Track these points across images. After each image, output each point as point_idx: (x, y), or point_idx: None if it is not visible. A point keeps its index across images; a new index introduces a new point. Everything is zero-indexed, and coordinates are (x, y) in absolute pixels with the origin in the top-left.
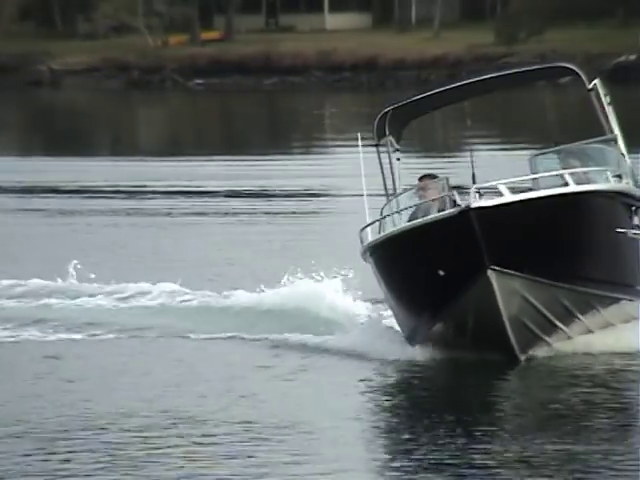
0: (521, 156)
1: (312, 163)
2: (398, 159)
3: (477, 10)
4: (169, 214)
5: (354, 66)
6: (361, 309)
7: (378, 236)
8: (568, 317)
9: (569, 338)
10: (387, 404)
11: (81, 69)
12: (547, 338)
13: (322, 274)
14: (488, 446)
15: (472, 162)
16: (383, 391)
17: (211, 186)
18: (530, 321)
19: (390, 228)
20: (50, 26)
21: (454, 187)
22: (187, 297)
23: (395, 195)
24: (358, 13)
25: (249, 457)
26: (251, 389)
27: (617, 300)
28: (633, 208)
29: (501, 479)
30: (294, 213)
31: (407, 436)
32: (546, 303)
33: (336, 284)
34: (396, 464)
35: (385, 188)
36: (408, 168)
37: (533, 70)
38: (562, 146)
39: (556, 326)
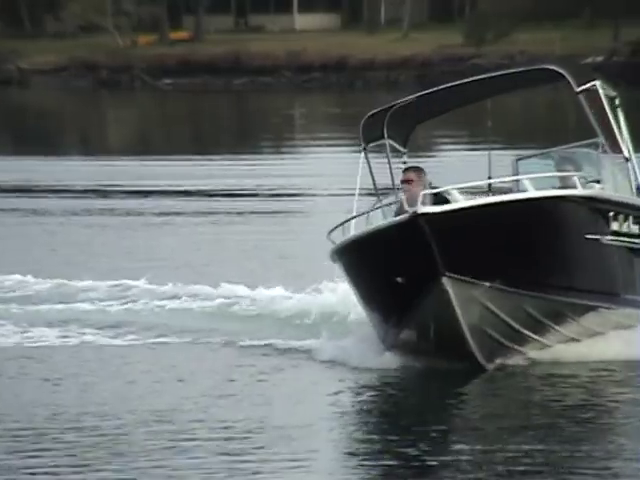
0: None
1: (282, 163)
2: (405, 163)
3: (446, 11)
4: (140, 214)
5: (323, 66)
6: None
7: (343, 239)
8: (538, 326)
9: (546, 347)
10: (357, 408)
11: (49, 68)
12: (518, 347)
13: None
14: (464, 446)
15: (490, 164)
16: (353, 395)
17: (183, 186)
18: (493, 330)
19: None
20: (18, 25)
21: (433, 187)
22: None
23: (384, 196)
24: (327, 14)
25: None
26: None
27: (594, 308)
28: (611, 214)
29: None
30: (267, 213)
31: (383, 439)
32: (510, 312)
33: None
34: (372, 465)
35: (375, 189)
36: (393, 168)
37: (518, 73)
38: (545, 150)
39: (526, 335)
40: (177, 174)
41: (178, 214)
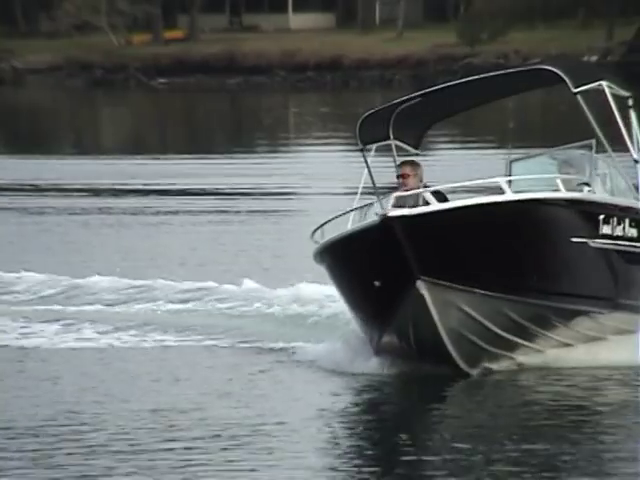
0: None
1: (276, 162)
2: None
3: (440, 11)
4: (135, 213)
5: (318, 66)
6: None
7: (324, 240)
8: (524, 331)
9: (537, 352)
10: (339, 413)
11: (44, 68)
12: (504, 352)
13: None
14: (448, 448)
15: (508, 165)
16: (334, 400)
17: (177, 185)
18: (473, 335)
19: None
20: (12, 24)
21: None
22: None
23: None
24: (322, 13)
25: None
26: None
27: (584, 312)
28: (601, 217)
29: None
30: (260, 212)
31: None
32: (490, 316)
33: None
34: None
35: (375, 188)
36: (387, 167)
37: (514, 73)
38: (539, 151)
39: (510, 340)
40: (171, 173)
41: (174, 213)
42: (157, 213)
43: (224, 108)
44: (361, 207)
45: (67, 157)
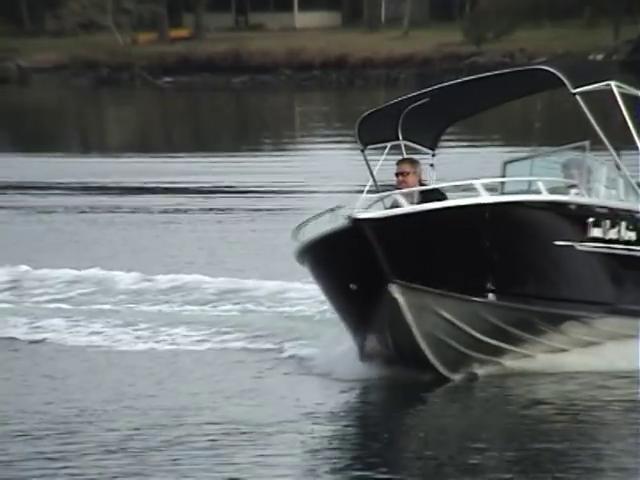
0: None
1: (281, 161)
2: (432, 165)
3: (446, 9)
4: (144, 211)
5: (323, 64)
6: None
7: (302, 241)
8: (508, 335)
9: (528, 357)
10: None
11: (49, 67)
12: (488, 357)
13: None
14: (430, 453)
15: (503, 166)
16: (317, 404)
17: (184, 183)
18: (452, 339)
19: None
20: (18, 23)
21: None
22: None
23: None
24: (327, 12)
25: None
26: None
27: (574, 317)
28: (590, 220)
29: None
30: (266, 210)
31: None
32: (468, 320)
33: None
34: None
35: (376, 187)
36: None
37: (510, 73)
38: (533, 153)
39: (493, 345)
40: (177, 171)
41: (182, 211)
42: (164, 212)
43: (230, 107)
44: (334, 209)
45: (73, 156)
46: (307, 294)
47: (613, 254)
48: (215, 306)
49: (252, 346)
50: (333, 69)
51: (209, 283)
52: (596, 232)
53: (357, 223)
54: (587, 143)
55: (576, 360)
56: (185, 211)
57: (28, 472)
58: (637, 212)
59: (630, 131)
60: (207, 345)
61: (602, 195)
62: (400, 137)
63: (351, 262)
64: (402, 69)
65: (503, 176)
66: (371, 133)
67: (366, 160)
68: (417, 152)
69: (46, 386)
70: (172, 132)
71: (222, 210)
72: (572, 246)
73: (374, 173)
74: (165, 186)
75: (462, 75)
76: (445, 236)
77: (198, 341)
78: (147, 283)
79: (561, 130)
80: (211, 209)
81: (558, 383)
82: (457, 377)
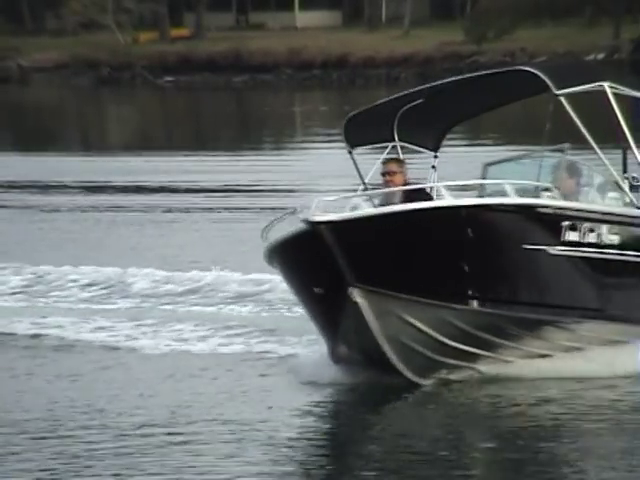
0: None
1: (282, 160)
2: (434, 167)
3: (447, 9)
4: (146, 210)
5: (324, 64)
6: None
7: (269, 242)
8: (477, 340)
9: (505, 362)
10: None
11: (50, 66)
12: (461, 362)
13: None
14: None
15: (484, 168)
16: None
17: (185, 182)
18: (418, 344)
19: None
20: (18, 23)
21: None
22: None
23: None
24: (328, 11)
25: None
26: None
27: (551, 322)
28: (565, 223)
29: None
30: (268, 209)
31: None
32: (434, 325)
33: None
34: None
35: (365, 186)
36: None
37: (492, 75)
38: (514, 155)
39: (464, 350)
40: (177, 171)
41: (184, 211)
42: (169, 210)
43: (230, 106)
44: (296, 210)
45: (73, 155)
46: None
47: (593, 258)
48: (225, 305)
49: (257, 345)
50: (334, 68)
51: (222, 281)
52: (572, 236)
53: (314, 226)
54: (566, 145)
55: (556, 366)
56: (187, 210)
57: (33, 471)
58: (622, 215)
59: (624, 131)
60: (215, 343)
61: (593, 199)
62: (396, 138)
63: (313, 265)
64: (403, 68)
65: (483, 178)
66: (360, 134)
67: (354, 162)
68: (412, 153)
69: (50, 385)
70: (172, 131)
71: (225, 209)
72: (544, 250)
73: (362, 174)
74: (165, 185)
75: (463, 74)
76: (407, 239)
77: (204, 338)
78: (156, 282)
79: (564, 131)
80: (213, 208)
81: (538, 388)
82: (428, 382)
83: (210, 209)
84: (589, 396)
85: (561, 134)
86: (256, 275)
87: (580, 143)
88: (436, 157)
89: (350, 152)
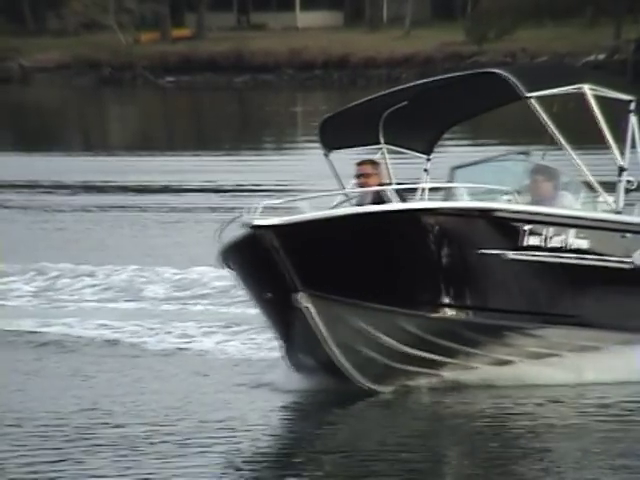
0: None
1: (283, 160)
2: (426, 170)
3: (448, 9)
4: (149, 210)
5: (325, 64)
6: None
7: (221, 244)
8: (434, 346)
9: (470, 368)
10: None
11: (51, 66)
12: (419, 369)
13: None
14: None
15: (450, 171)
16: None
17: (188, 182)
18: (372, 350)
19: None
20: (20, 23)
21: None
22: None
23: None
24: (329, 11)
25: None
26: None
27: (514, 328)
28: (526, 227)
29: None
30: (274, 209)
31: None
32: (388, 331)
33: None
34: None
35: (343, 189)
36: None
37: (460, 79)
38: (480, 159)
39: (423, 356)
40: (179, 170)
41: (188, 210)
42: (172, 210)
43: (232, 106)
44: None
45: (75, 155)
46: None
47: (557, 263)
48: (231, 305)
49: (260, 343)
50: (335, 69)
51: (220, 279)
52: (533, 240)
53: (256, 230)
54: (531, 149)
55: (535, 372)
56: (190, 210)
57: (37, 470)
58: (592, 219)
59: (603, 133)
60: (221, 342)
61: (569, 202)
62: (382, 141)
63: (258, 270)
64: (404, 69)
65: (450, 182)
66: (339, 137)
67: (332, 165)
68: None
69: (54, 383)
70: (174, 131)
71: (227, 209)
72: (501, 255)
73: (337, 175)
74: (168, 185)
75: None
76: (355, 243)
77: (209, 336)
78: (159, 281)
79: (564, 131)
80: (214, 208)
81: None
82: (387, 390)
83: (213, 209)
84: (573, 400)
85: (561, 134)
86: None
87: (580, 143)
88: (429, 160)
89: (326, 155)
